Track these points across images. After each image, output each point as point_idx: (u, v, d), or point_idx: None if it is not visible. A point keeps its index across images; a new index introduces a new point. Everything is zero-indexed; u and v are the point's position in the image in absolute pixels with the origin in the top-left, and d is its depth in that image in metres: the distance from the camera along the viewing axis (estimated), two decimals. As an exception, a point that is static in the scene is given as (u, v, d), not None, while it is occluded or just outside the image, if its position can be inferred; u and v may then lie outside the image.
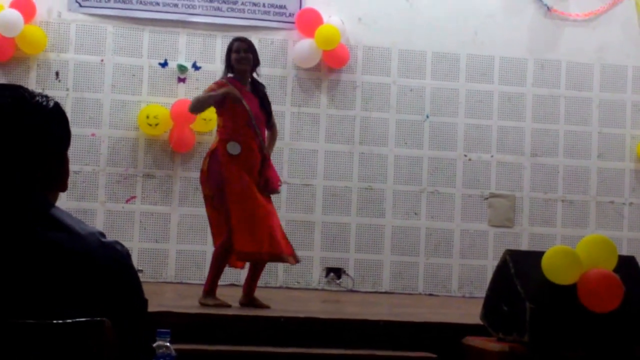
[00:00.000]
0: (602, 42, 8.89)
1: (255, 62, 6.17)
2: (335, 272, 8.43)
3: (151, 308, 1.87)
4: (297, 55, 8.46)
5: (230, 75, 6.17)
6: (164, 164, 8.33)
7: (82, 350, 1.63)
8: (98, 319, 1.64)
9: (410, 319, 5.81)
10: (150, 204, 8.28)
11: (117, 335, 1.67)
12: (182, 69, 8.38)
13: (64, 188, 1.81)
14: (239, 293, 6.18)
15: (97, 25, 8.32)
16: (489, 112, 8.75)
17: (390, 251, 8.52)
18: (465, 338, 5.26)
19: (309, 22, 8.41)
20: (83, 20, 8.31)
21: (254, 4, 8.46)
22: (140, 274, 2.73)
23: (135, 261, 7.76)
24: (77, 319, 1.63)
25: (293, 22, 8.46)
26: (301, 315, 5.79)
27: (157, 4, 8.35)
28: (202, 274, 7.51)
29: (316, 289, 8.34)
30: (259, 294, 6.18)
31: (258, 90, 6.19)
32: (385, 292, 8.40)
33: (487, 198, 8.70)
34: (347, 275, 8.46)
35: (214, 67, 8.17)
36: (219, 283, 6.09)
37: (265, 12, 8.47)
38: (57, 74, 8.25)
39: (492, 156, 8.72)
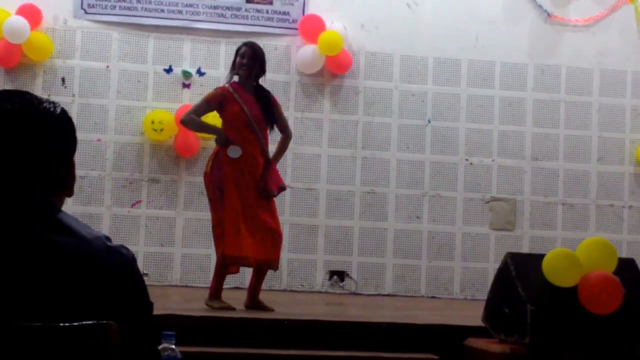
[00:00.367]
0: (601, 47, 8.92)
1: (261, 71, 6.16)
2: (339, 275, 8.45)
3: (156, 311, 1.86)
4: (300, 61, 8.50)
5: (235, 79, 6.20)
6: (169, 169, 8.37)
7: (88, 353, 1.63)
8: (104, 322, 1.65)
9: (412, 321, 5.83)
10: (155, 208, 8.33)
11: (123, 338, 1.68)
12: (186, 74, 8.42)
13: (70, 193, 1.82)
14: (243, 296, 6.21)
15: (102, 32, 8.37)
16: (490, 116, 8.78)
17: (393, 254, 8.55)
18: (467, 340, 5.28)
19: (312, 28, 8.43)
20: (89, 27, 8.35)
21: (258, 11, 8.48)
22: (145, 278, 2.77)
23: (141, 265, 7.81)
24: (83, 322, 1.63)
25: (296, 29, 8.48)
26: (305, 317, 5.83)
27: (162, 10, 8.39)
28: (207, 277, 7.56)
29: (320, 292, 8.36)
30: (263, 296, 6.22)
31: (262, 95, 6.19)
32: (388, 295, 8.42)
33: (488, 201, 8.72)
34: (350, 278, 8.48)
35: (218, 73, 8.22)
36: (224, 286, 6.13)
37: (269, 19, 8.51)
38: (63, 80, 8.29)
39: (493, 160, 8.76)
